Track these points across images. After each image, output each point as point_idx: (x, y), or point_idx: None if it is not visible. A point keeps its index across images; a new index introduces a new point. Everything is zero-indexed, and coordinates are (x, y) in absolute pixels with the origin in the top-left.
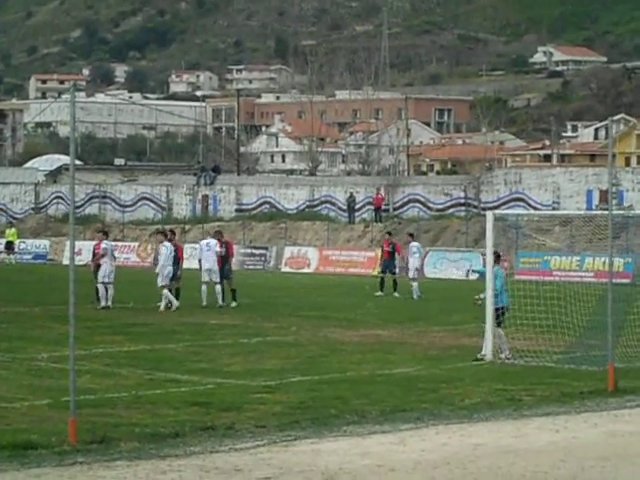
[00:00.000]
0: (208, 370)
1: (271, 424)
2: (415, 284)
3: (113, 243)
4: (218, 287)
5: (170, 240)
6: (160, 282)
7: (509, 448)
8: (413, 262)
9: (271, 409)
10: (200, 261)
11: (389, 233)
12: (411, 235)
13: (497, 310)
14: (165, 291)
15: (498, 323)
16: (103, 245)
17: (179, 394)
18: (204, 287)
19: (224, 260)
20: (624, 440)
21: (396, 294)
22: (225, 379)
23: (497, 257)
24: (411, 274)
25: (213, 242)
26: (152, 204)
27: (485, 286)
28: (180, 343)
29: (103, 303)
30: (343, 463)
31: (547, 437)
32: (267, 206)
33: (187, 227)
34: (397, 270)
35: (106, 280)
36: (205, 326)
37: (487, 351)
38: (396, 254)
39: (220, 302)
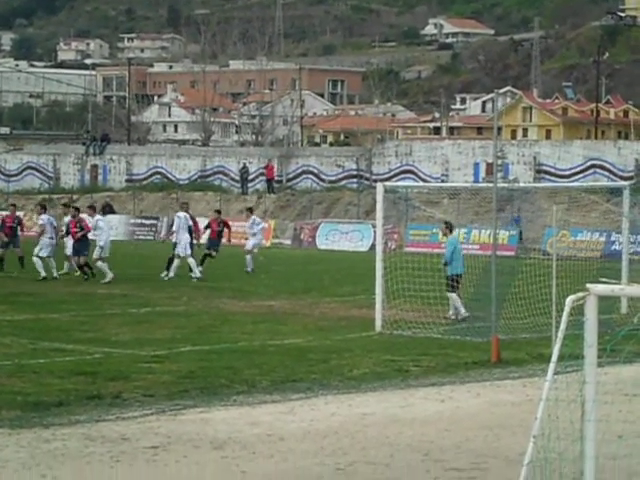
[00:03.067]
0: (95, 340)
1: (159, 393)
2: (248, 257)
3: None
4: (191, 260)
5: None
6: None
7: (396, 418)
8: (255, 239)
9: (160, 378)
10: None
11: (218, 212)
12: (249, 209)
13: (452, 278)
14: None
15: (452, 289)
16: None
17: (64, 363)
18: (177, 262)
19: (190, 234)
20: (506, 410)
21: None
22: (113, 348)
23: (449, 227)
24: (248, 247)
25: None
26: (38, 173)
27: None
28: (66, 313)
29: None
30: (232, 432)
31: (433, 407)
32: (158, 176)
33: (75, 197)
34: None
35: (43, 254)
36: (93, 296)
37: (377, 324)
38: (225, 230)
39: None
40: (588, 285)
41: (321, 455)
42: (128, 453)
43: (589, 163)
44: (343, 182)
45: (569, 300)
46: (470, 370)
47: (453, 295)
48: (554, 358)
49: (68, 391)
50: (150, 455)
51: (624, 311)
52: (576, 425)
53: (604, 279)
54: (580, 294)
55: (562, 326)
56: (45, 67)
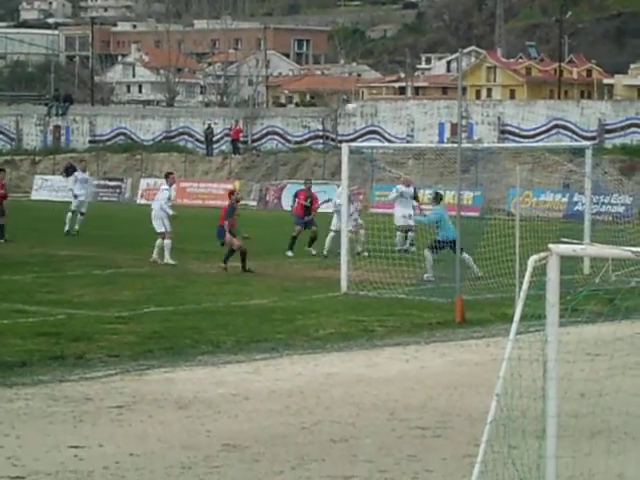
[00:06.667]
0: (58, 301)
1: (124, 354)
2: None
3: None
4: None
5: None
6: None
7: (361, 377)
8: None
9: (124, 339)
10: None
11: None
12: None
13: (445, 243)
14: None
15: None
16: None
17: (27, 324)
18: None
19: (309, 210)
20: (470, 369)
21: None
22: (76, 310)
23: (438, 198)
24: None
25: None
26: (1, 135)
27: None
28: (29, 274)
29: None
30: (197, 392)
31: (398, 366)
32: (122, 137)
33: (37, 158)
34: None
35: None
36: (55, 257)
37: (343, 285)
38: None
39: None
40: (550, 245)
41: (286, 414)
42: (92, 413)
43: (552, 123)
44: (309, 143)
45: (531, 260)
46: (435, 330)
47: (427, 254)
48: (516, 318)
49: (31, 352)
50: (114, 415)
51: (587, 272)
52: (538, 383)
53: (566, 239)
54: (542, 254)
55: (524, 286)
56: (7, 27)
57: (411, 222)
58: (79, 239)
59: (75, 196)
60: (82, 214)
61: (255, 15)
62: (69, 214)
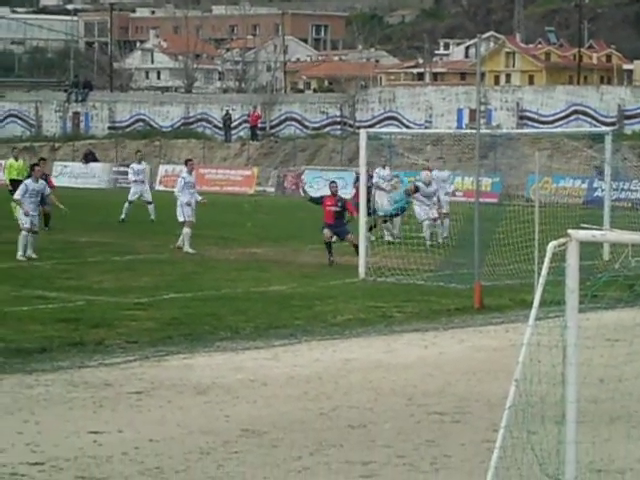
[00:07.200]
0: (78, 287)
1: (142, 340)
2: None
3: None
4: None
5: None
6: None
7: (380, 363)
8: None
9: (143, 325)
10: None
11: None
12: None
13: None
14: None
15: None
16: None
17: (47, 311)
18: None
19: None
20: (488, 355)
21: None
22: (95, 296)
23: (410, 191)
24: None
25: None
26: (20, 121)
27: None
28: (48, 261)
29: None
30: (216, 377)
31: (416, 352)
32: (141, 124)
33: (57, 145)
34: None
35: None
36: (74, 244)
37: (361, 271)
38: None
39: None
40: (569, 231)
41: (304, 400)
42: (111, 398)
43: (572, 109)
44: (327, 129)
45: (550, 246)
46: (453, 316)
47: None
48: (536, 303)
49: (51, 338)
50: (133, 400)
51: (606, 258)
52: (558, 369)
53: (585, 225)
54: (562, 240)
55: (543, 272)
56: (27, 13)
57: (444, 208)
58: (99, 226)
59: (141, 182)
60: (150, 203)
61: (273, 0)
62: (126, 204)
